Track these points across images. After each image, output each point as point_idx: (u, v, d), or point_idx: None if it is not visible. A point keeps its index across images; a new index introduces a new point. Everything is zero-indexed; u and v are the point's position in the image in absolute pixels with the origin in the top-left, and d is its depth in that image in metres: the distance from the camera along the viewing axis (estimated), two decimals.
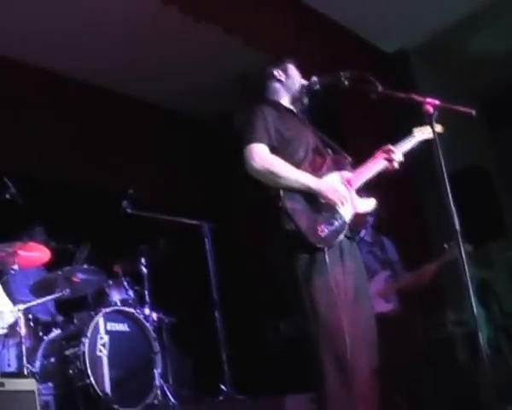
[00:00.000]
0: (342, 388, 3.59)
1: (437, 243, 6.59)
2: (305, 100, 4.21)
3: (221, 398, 5.93)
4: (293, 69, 4.26)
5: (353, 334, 3.61)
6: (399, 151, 4.17)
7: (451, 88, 9.59)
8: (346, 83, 3.89)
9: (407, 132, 4.35)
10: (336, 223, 3.76)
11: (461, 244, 3.64)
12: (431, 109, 3.65)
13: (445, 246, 5.79)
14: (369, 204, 4.06)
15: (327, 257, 3.63)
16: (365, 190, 4.15)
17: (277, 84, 4.24)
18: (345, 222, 3.81)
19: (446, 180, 3.58)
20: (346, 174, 4.01)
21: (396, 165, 4.12)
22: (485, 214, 8.18)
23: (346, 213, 3.84)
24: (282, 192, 3.70)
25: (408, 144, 4.28)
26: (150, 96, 8.47)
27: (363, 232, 5.81)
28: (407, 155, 4.29)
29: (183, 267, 7.43)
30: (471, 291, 3.53)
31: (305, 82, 4.21)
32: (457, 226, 3.63)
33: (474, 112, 3.74)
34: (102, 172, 7.72)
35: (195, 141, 8.94)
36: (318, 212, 3.75)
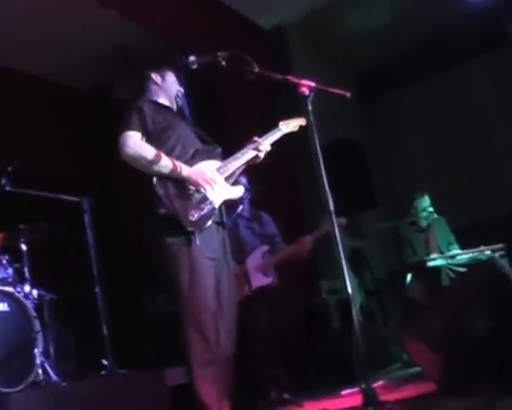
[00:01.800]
0: (206, 359, 3.82)
1: (313, 215, 6.70)
2: (180, 103, 4.40)
3: (103, 373, 5.87)
4: (171, 76, 4.40)
5: (217, 311, 3.93)
6: (266, 143, 4.40)
7: (327, 63, 9.74)
8: (223, 63, 3.90)
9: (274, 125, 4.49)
10: (206, 208, 3.95)
11: (334, 219, 3.77)
12: (306, 91, 3.69)
13: (322, 218, 5.90)
14: (237, 191, 4.32)
15: (197, 240, 3.83)
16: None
17: (154, 86, 4.37)
18: (214, 208, 4.01)
19: (320, 159, 3.65)
20: (216, 163, 4.20)
21: (262, 155, 4.35)
22: (357, 186, 8.36)
23: (216, 199, 4.05)
24: (154, 179, 3.85)
25: (274, 136, 4.51)
26: (28, 68, 8.17)
27: (240, 208, 5.86)
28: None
29: (63, 243, 7.24)
30: (344, 264, 3.64)
31: (181, 89, 4.40)
32: (331, 204, 3.73)
33: (348, 94, 3.81)
34: None
35: (75, 114, 8.71)
36: (189, 198, 3.93)
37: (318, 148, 3.62)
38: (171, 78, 4.39)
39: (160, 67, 4.41)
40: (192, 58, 4.06)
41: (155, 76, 4.37)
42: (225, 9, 8.02)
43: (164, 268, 3.91)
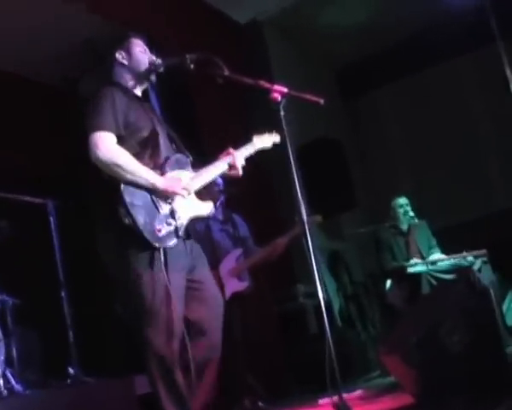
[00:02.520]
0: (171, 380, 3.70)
1: (288, 217, 6.70)
2: (153, 77, 4.07)
3: (69, 381, 5.82)
4: (137, 46, 4.09)
5: (188, 325, 3.81)
6: (240, 158, 4.23)
7: (305, 59, 9.73)
8: (192, 66, 3.82)
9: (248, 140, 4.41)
10: (174, 224, 3.77)
11: (305, 220, 3.82)
12: (279, 97, 3.67)
13: (295, 219, 5.89)
14: (206, 208, 4.11)
15: (162, 256, 3.66)
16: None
17: (121, 68, 4.06)
18: (182, 224, 3.83)
19: (293, 166, 3.65)
20: (188, 174, 4.01)
21: (239, 173, 4.21)
22: (335, 186, 8.36)
23: (184, 215, 3.87)
24: (122, 186, 3.64)
25: (248, 151, 4.35)
26: None
27: (213, 211, 5.82)
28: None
29: (28, 246, 7.19)
30: (315, 268, 3.66)
31: (152, 57, 4.06)
32: (303, 209, 3.73)
33: (322, 101, 3.78)
34: None
35: (42, 110, 8.59)
36: (158, 211, 3.74)
37: (291, 155, 3.60)
38: (137, 47, 4.08)
39: (124, 41, 4.09)
40: (158, 61, 3.97)
41: (120, 54, 4.07)
42: (197, 2, 7.90)
43: (123, 282, 3.77)
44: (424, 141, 9.94)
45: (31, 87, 8.47)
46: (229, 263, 6.00)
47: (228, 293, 5.81)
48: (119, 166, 3.66)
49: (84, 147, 3.75)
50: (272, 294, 7.44)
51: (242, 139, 4.42)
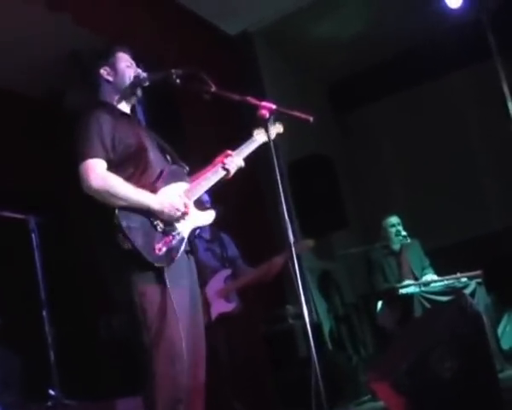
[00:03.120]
0: (173, 400, 3.65)
1: (281, 236, 6.70)
2: (139, 92, 4.05)
3: (49, 404, 5.79)
4: (123, 60, 4.06)
5: (188, 347, 3.71)
6: (239, 157, 4.22)
7: (297, 71, 9.75)
8: (178, 81, 3.82)
9: (248, 135, 4.35)
10: (174, 240, 3.74)
11: (292, 244, 3.81)
12: (266, 114, 3.67)
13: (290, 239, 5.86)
14: (208, 217, 4.09)
15: (166, 275, 3.63)
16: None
17: (107, 85, 4.04)
18: (183, 238, 3.80)
19: (280, 186, 3.65)
20: (184, 186, 3.98)
21: (232, 171, 4.17)
22: (327, 204, 8.36)
23: (185, 228, 3.85)
24: (117, 211, 3.61)
25: (249, 148, 4.31)
26: None
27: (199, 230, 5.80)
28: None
29: (8, 263, 7.16)
30: (301, 288, 3.65)
31: (138, 71, 4.04)
32: (290, 231, 3.73)
33: (311, 119, 3.79)
34: None
35: (25, 123, 8.54)
36: (155, 230, 3.71)
37: (279, 175, 3.60)
38: (122, 62, 4.05)
39: (109, 56, 4.05)
40: (144, 75, 3.98)
41: (105, 70, 4.03)
42: (187, 14, 7.83)
43: (128, 304, 3.70)
44: (418, 158, 9.93)
45: (13, 99, 8.43)
46: (216, 284, 5.95)
47: (214, 314, 5.79)
48: (111, 193, 3.64)
49: (69, 164, 3.74)
50: (261, 315, 7.41)
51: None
